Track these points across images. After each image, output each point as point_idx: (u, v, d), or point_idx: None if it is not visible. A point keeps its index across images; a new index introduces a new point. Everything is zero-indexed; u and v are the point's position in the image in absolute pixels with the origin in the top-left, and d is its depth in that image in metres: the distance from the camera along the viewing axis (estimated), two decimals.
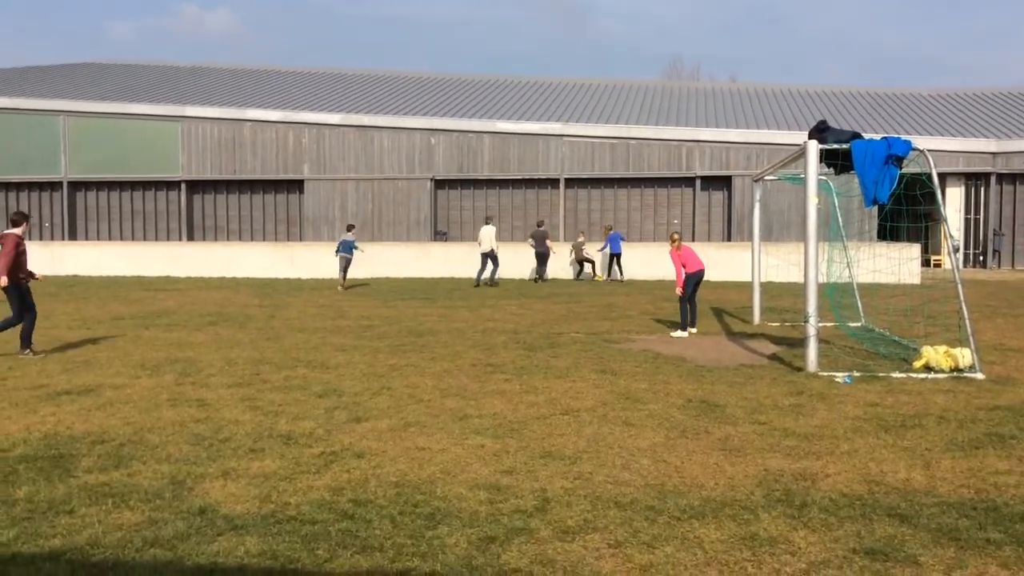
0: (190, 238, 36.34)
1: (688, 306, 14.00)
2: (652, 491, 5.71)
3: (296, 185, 35.81)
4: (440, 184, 34.96)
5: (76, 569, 4.43)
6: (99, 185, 37.11)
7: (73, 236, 37.09)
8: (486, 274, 25.12)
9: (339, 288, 23.33)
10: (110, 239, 36.68)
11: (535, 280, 26.43)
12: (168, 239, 36.35)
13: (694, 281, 14.11)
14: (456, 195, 35.19)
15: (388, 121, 35.11)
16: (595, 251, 27.68)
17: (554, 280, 26.80)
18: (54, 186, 37.33)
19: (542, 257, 26.55)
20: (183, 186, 36.32)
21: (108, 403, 8.43)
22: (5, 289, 11.38)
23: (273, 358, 11.22)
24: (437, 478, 5.99)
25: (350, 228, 25.63)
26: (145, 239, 36.61)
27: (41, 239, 36.62)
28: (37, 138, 37.03)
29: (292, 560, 4.54)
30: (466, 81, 43.97)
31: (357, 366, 10.60)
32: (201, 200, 36.92)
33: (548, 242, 26.68)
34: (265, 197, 36.55)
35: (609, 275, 27.08)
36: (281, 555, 4.60)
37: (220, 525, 5.05)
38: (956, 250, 32.37)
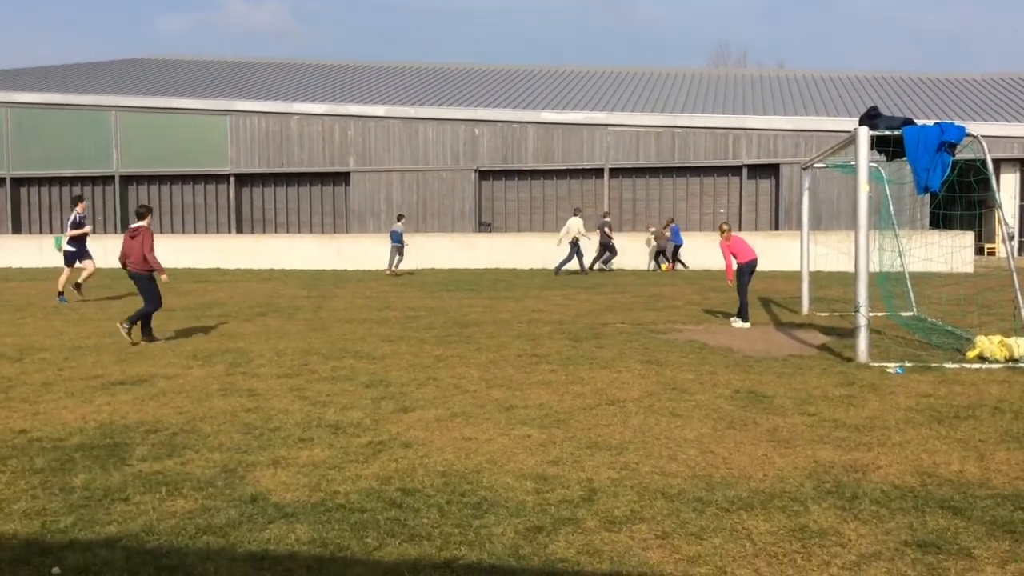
0: (239, 231, 36.85)
1: (743, 297, 13.89)
2: (699, 482, 5.68)
3: (342, 177, 36.11)
4: (484, 175, 35.01)
5: (131, 555, 4.53)
6: (150, 179, 37.78)
7: (125, 229, 37.79)
8: (573, 264, 25.74)
9: (386, 273, 24.62)
10: (160, 232, 37.34)
11: (603, 270, 26.93)
12: (217, 232, 36.90)
13: (748, 271, 13.92)
14: (500, 186, 35.21)
15: (432, 113, 35.23)
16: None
17: (601, 271, 26.73)
18: (106, 180, 38.07)
19: (608, 247, 27.02)
20: (232, 179, 36.82)
21: (161, 393, 8.60)
22: (142, 278, 12.23)
23: (321, 349, 11.35)
24: (484, 468, 6.02)
25: (400, 218, 26.65)
26: (195, 232, 37.21)
27: (94, 232, 37.41)
28: (90, 133, 37.78)
29: (341, 548, 4.60)
30: (510, 71, 43.93)
31: (403, 357, 10.68)
32: (250, 193, 37.41)
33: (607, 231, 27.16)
34: (312, 189, 36.92)
35: (673, 266, 27.30)
36: (331, 543, 4.66)
37: (271, 513, 5.13)
38: (1011, 237, 31.62)
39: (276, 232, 36.54)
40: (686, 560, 4.44)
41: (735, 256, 13.85)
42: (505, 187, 35.22)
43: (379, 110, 35.59)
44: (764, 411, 7.65)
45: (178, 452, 6.45)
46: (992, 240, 31.97)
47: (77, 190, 38.01)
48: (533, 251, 28.76)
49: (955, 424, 7.10)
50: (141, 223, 12.39)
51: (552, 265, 27.38)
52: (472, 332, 12.90)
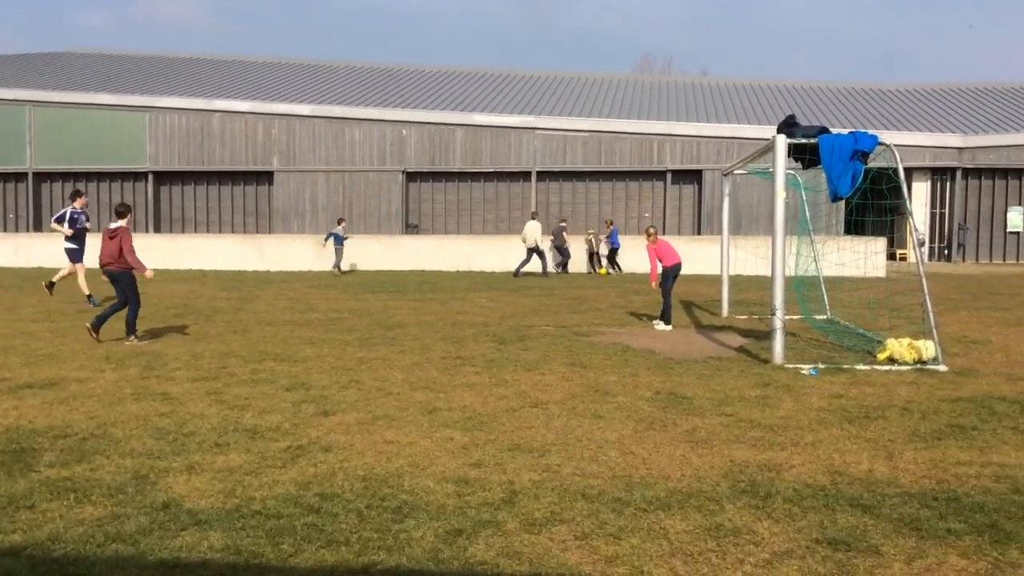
0: (157, 230, 35.94)
1: (667, 300, 14.11)
2: (619, 483, 5.74)
3: (266, 177, 35.52)
4: (412, 177, 34.84)
5: (36, 564, 4.37)
6: (65, 176, 36.58)
7: (38, 228, 36.54)
8: (528, 267, 25.94)
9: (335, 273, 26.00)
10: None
11: (558, 273, 27.25)
12: (135, 231, 35.85)
13: (672, 275, 14.14)
14: (428, 188, 35.09)
15: (359, 113, 34.92)
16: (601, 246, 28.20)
17: (558, 274, 26.85)
18: (19, 177, 36.75)
19: (562, 251, 27.53)
20: (150, 177, 35.91)
21: (71, 397, 8.32)
22: (123, 278, 12.00)
23: (240, 351, 11.14)
24: (405, 471, 5.97)
25: (340, 222, 27.14)
26: None
27: (5, 230, 36.07)
28: (2, 128, 36.42)
29: (256, 555, 4.51)
30: (438, 73, 43.82)
31: (326, 359, 10.55)
32: (169, 191, 36.53)
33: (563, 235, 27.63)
34: (234, 189, 36.23)
35: (612, 269, 27.65)
36: (245, 550, 4.57)
37: (183, 520, 5.01)
38: (921, 244, 32.80)
39: (196, 232, 35.75)
40: (604, 560, 4.48)
41: (660, 260, 14.04)
42: (433, 189, 35.11)
43: (304, 109, 35.13)
44: (683, 412, 7.77)
45: (88, 458, 6.25)
46: (904, 246, 33.09)
47: None
48: (460, 253, 28.73)
49: (865, 424, 7.31)
50: (120, 222, 12.05)
51: (478, 268, 27.43)
52: (396, 334, 12.81)
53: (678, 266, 14.23)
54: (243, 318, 14.77)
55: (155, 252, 29.40)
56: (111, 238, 11.90)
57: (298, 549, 4.58)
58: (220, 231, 35.65)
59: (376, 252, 28.89)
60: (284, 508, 5.20)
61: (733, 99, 39.57)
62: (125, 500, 5.35)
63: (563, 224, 28.01)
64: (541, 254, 25.94)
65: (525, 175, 34.34)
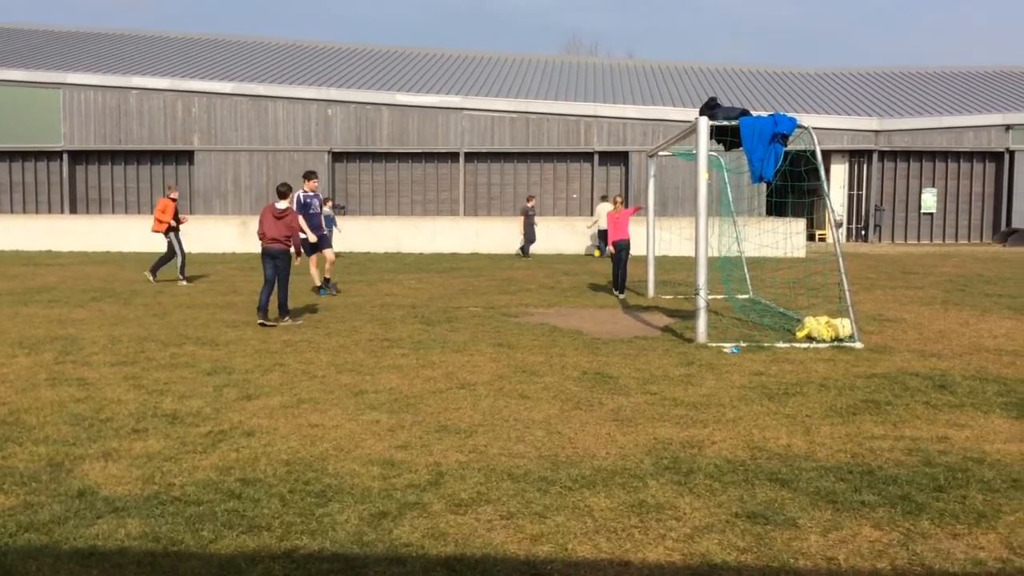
0: (73, 211, 34.78)
1: (619, 271, 15.42)
2: (545, 462, 5.78)
3: (186, 156, 34.63)
4: (338, 157, 34.36)
5: None
6: None
7: None
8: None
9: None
10: None
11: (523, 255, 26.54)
12: (49, 212, 34.72)
13: (621, 248, 15.55)
14: (355, 168, 34.66)
15: (283, 91, 34.25)
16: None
17: (474, 255, 26.76)
18: None
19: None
20: (65, 156, 34.68)
21: None
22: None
23: (159, 335, 10.87)
24: (329, 455, 5.92)
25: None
26: (24, 212, 34.87)
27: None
28: None
29: (175, 542, 4.42)
30: (363, 51, 43.23)
31: (249, 342, 10.37)
32: (85, 171, 35.36)
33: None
34: (153, 168, 35.24)
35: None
36: (163, 537, 4.47)
37: (100, 508, 4.88)
38: (839, 225, 33.70)
39: (114, 212, 34.70)
40: (529, 539, 4.51)
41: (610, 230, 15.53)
42: (359, 169, 34.69)
43: (226, 87, 34.30)
44: (609, 391, 7.86)
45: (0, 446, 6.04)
46: (823, 227, 33.93)
47: None
48: (388, 234, 28.48)
49: (784, 400, 7.50)
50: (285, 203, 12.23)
51: (407, 249, 27.30)
52: (323, 316, 12.66)
53: (624, 242, 15.52)
54: (163, 301, 14.41)
55: (70, 234, 28.51)
56: (279, 218, 11.96)
57: (218, 535, 4.50)
58: (139, 212, 34.66)
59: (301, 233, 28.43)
60: (204, 494, 5.11)
61: (659, 81, 39.97)
62: (39, 488, 5.19)
63: (530, 204, 27.25)
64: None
65: (453, 156, 34.16)
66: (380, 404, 7.34)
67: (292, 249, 12.11)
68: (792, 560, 4.25)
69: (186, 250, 18.28)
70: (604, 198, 28.08)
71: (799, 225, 26.22)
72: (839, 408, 7.22)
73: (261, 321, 11.62)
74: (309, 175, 15.29)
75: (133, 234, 28.31)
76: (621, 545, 4.45)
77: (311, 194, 15.11)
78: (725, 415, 7.00)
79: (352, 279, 18.59)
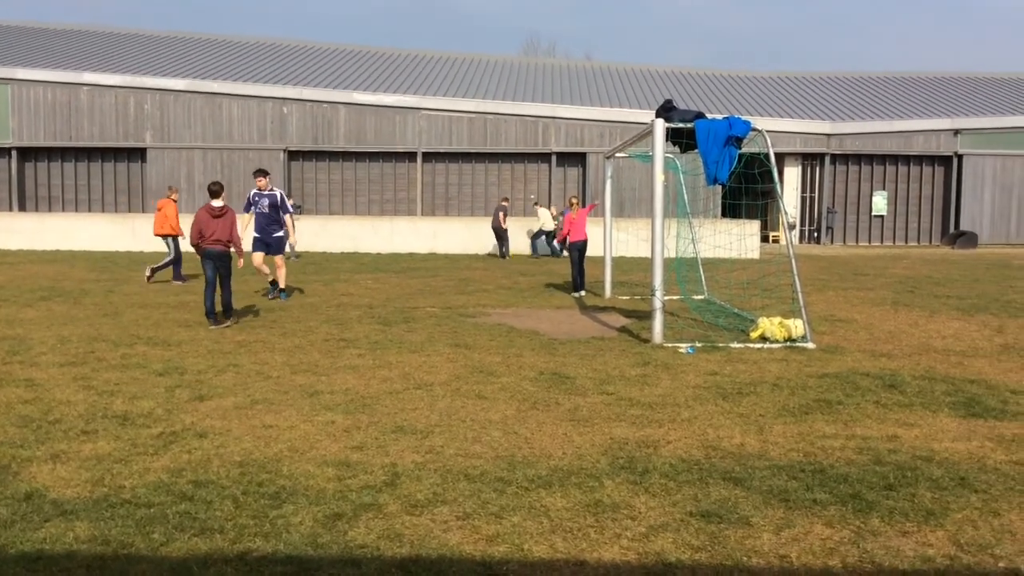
0: (21, 208, 34.02)
1: (576, 271, 15.91)
2: (502, 463, 5.77)
3: (138, 153, 34.06)
4: (294, 155, 34.04)
5: None
6: None
7: None
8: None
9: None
10: None
11: (503, 256, 26.35)
12: None
13: (576, 248, 16.11)
14: (311, 167, 34.35)
15: (238, 88, 33.84)
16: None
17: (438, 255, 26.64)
18: None
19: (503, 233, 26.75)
20: (13, 153, 33.91)
21: None
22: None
23: (110, 335, 10.68)
24: (284, 456, 5.86)
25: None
26: None
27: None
28: None
29: (125, 545, 4.34)
30: (319, 49, 42.88)
31: (202, 343, 10.23)
32: (34, 168, 34.60)
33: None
34: (104, 166, 34.60)
35: (537, 252, 27.34)
36: (113, 540, 4.39)
37: (48, 510, 4.78)
38: (792, 227, 34.18)
39: (64, 210, 34.01)
40: (485, 540, 4.50)
41: (568, 231, 16.11)
42: (316, 168, 34.40)
43: (179, 84, 33.79)
44: (566, 392, 7.88)
45: None
46: (776, 229, 34.38)
47: None
48: (345, 234, 28.28)
49: (738, 400, 7.58)
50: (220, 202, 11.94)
51: (364, 249, 27.13)
52: (277, 316, 12.53)
53: (580, 243, 16.08)
54: (114, 300, 14.16)
55: (18, 232, 27.89)
56: (218, 217, 11.67)
57: (170, 538, 4.43)
58: (90, 210, 34.03)
59: None
60: (155, 496, 5.02)
61: (616, 83, 40.19)
62: None
63: (504, 204, 27.19)
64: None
65: (411, 155, 34.03)
66: (335, 405, 7.29)
67: (233, 249, 11.89)
68: (745, 558, 4.30)
69: (137, 249, 17.97)
70: (536, 203, 28.58)
71: (753, 227, 26.53)
72: (792, 407, 7.32)
73: (213, 326, 11.42)
74: (260, 173, 14.97)
75: (83, 233, 27.78)
76: (577, 545, 4.46)
77: (261, 192, 14.74)
78: (680, 415, 7.05)
79: (308, 279, 18.43)
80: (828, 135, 34.29)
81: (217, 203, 11.76)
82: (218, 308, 11.72)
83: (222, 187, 12.05)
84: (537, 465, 5.72)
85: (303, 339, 10.58)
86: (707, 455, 5.95)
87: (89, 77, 33.81)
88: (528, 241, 27.91)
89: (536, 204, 29.24)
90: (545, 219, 27.27)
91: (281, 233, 14.80)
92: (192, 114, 33.60)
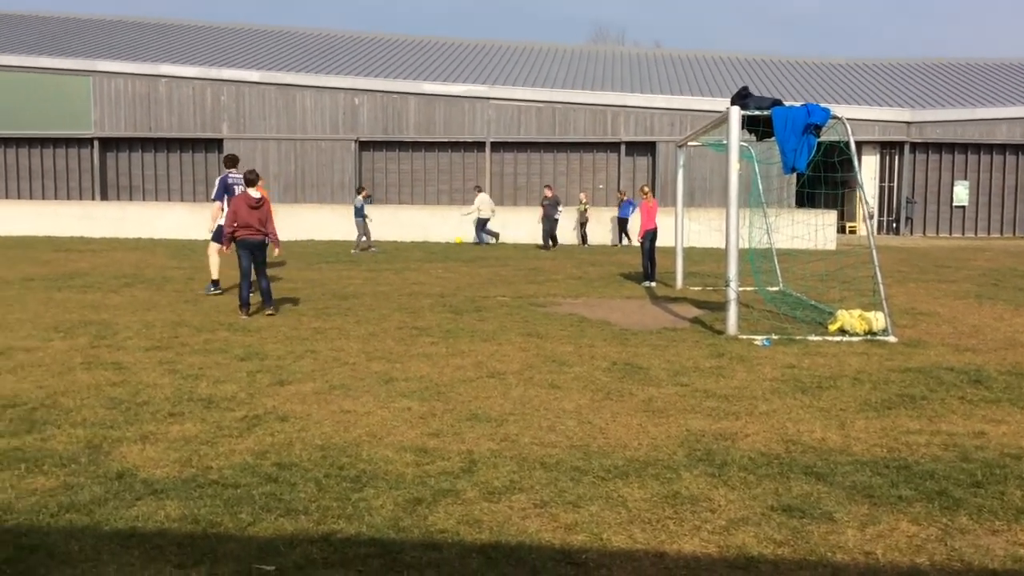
0: (104, 197, 35.12)
1: (647, 260, 16.01)
2: (577, 452, 5.77)
3: (215, 144, 34.83)
4: (365, 145, 34.43)
5: None
6: (5, 141, 35.51)
7: None
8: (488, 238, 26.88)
9: (352, 251, 23.29)
10: (18, 197, 35.22)
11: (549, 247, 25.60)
12: (80, 198, 35.07)
13: (648, 238, 16.27)
14: (381, 157, 34.73)
15: (311, 80, 34.34)
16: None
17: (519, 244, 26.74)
18: None
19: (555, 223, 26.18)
20: (95, 143, 35.00)
21: (19, 366, 8.13)
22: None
23: (192, 321, 10.96)
24: (363, 441, 5.95)
25: (360, 191, 25.59)
26: (55, 198, 35.25)
27: None
28: None
29: (214, 524, 4.46)
30: (390, 41, 43.25)
31: (280, 329, 10.44)
32: (115, 158, 35.66)
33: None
34: (183, 156, 35.49)
35: (621, 241, 27.27)
36: (203, 519, 4.52)
37: (139, 489, 4.93)
38: (871, 217, 33.34)
39: (144, 200, 35.01)
40: (564, 528, 4.51)
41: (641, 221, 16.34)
42: (386, 158, 34.76)
43: (254, 75, 34.44)
44: (640, 382, 7.84)
45: (38, 428, 6.12)
46: (852, 219, 33.62)
47: None
48: (415, 223, 28.54)
49: (818, 394, 7.45)
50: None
51: (434, 238, 27.35)
52: (351, 304, 12.71)
53: (651, 231, 16.27)
54: (194, 287, 14.53)
55: (102, 220, 28.79)
56: (255, 208, 11.61)
57: (256, 518, 4.54)
58: (169, 199, 34.96)
59: (329, 222, 28.57)
60: (241, 477, 5.15)
61: (687, 71, 39.70)
62: (78, 470, 5.25)
63: (548, 195, 26.45)
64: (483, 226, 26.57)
65: (479, 145, 34.14)
66: (411, 392, 7.37)
67: (268, 239, 11.80)
68: (830, 554, 4.23)
69: (205, 238, 18.18)
70: (479, 188, 28.40)
71: (830, 217, 25.97)
72: (874, 402, 7.16)
73: (245, 316, 11.38)
74: (232, 160, 14.22)
75: (163, 221, 28.56)
76: (656, 536, 4.44)
77: (237, 177, 13.63)
78: (758, 408, 6.96)
79: (380, 267, 18.65)
80: (908, 123, 33.37)
81: (255, 193, 11.78)
82: (256, 300, 11.84)
83: (258, 176, 12.08)
84: (613, 455, 5.71)
85: (377, 327, 10.71)
86: (787, 449, 5.86)
87: (167, 69, 34.68)
88: (577, 231, 27.61)
89: (477, 188, 28.99)
90: (482, 204, 26.90)
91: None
92: (267, 105, 34.22)
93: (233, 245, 11.66)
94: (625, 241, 27.11)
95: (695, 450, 5.83)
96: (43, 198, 35.17)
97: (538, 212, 26.79)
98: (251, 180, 11.91)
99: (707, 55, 43.52)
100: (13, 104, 35.05)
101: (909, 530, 4.53)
